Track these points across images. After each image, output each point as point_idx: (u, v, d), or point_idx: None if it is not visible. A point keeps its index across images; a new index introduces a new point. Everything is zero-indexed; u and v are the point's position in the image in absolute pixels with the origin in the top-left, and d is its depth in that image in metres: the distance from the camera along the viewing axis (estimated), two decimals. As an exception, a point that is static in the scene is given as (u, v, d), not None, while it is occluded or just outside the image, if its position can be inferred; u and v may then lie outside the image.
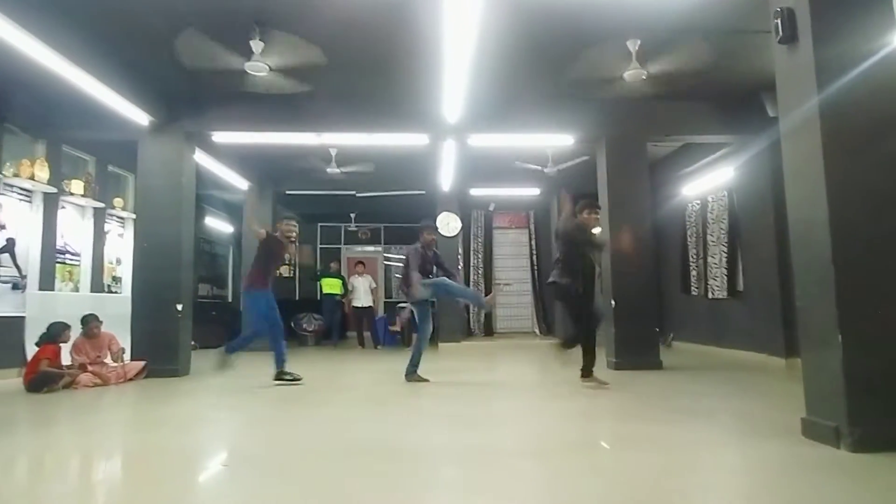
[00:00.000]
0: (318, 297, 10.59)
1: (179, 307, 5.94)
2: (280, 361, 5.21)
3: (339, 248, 13.05)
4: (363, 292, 10.23)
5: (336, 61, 5.11)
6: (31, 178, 5.88)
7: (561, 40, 4.88)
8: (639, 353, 6.03)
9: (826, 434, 2.74)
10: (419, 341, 5.46)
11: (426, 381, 5.23)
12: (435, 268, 5.48)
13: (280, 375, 5.18)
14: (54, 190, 6.25)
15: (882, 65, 2.80)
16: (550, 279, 4.86)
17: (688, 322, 8.77)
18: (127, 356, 5.72)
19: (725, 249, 7.62)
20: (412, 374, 5.29)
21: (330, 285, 10.36)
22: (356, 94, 6.06)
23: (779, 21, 3.00)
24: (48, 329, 5.23)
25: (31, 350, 5.56)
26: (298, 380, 5.17)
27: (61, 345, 5.26)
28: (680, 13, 4.37)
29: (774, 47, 3.13)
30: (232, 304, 11.34)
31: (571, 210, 5.00)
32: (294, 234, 5.58)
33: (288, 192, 9.91)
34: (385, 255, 13.24)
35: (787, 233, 3.15)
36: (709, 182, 7.97)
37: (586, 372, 4.76)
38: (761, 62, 5.14)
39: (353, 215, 12.35)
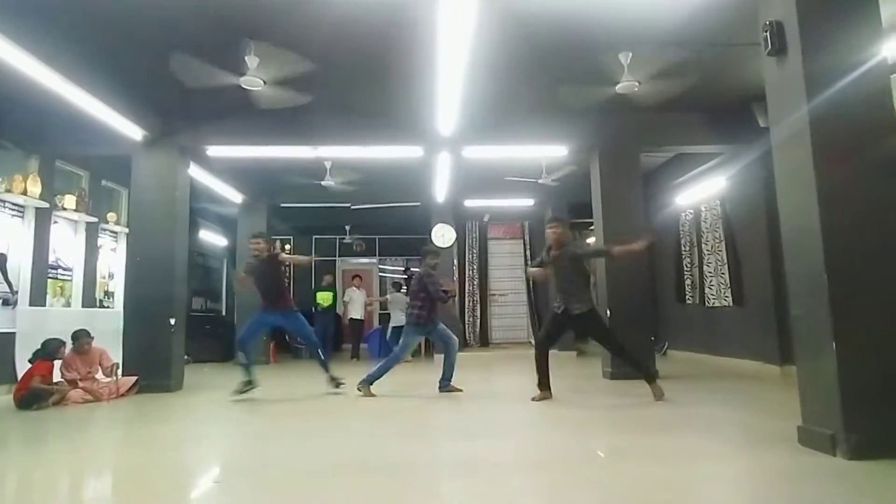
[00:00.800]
0: (313, 311, 10.53)
1: (172, 321, 5.89)
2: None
3: (334, 261, 13.02)
4: (360, 305, 10.19)
5: (331, 75, 5.14)
6: (24, 193, 5.85)
7: (554, 53, 4.93)
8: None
9: (822, 442, 2.75)
10: (449, 355, 5.46)
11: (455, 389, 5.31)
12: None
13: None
14: (46, 205, 6.21)
15: (870, 75, 2.85)
16: (578, 311, 4.60)
17: (683, 331, 8.78)
18: (119, 371, 5.65)
19: (722, 258, 7.65)
20: (445, 386, 5.36)
21: (324, 298, 10.32)
22: (351, 108, 6.08)
23: (768, 34, 3.05)
24: (43, 345, 5.16)
25: (21, 366, 5.49)
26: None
27: (55, 362, 5.20)
28: (670, 26, 4.43)
29: (764, 59, 3.18)
30: (225, 318, 11.25)
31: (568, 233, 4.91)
32: (257, 247, 5.53)
33: (283, 205, 9.90)
34: (380, 266, 13.21)
35: (780, 241, 3.18)
36: (701, 192, 8.03)
37: (652, 378, 4.69)
38: (751, 73, 5.21)
39: (347, 227, 12.33)
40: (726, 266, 7.54)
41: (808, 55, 2.89)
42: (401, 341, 5.54)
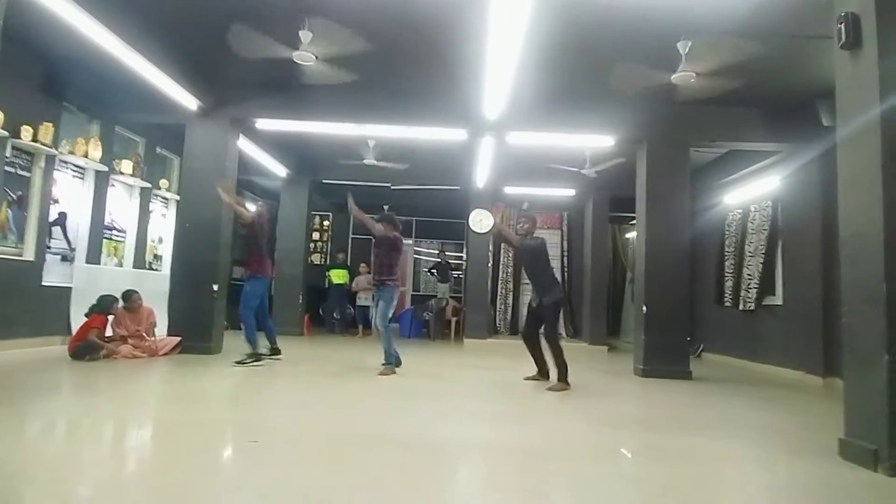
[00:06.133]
0: (326, 286, 10.72)
1: (215, 287, 6.11)
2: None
3: (370, 240, 13.17)
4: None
5: (381, 53, 5.16)
6: (85, 155, 6.14)
7: (609, 39, 4.80)
8: (668, 362, 5.91)
9: (864, 456, 2.65)
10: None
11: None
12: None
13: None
14: (105, 168, 6.51)
15: (951, 75, 2.67)
16: (556, 298, 4.88)
17: (721, 333, 8.55)
18: (159, 331, 5.89)
19: (765, 261, 7.40)
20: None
21: (337, 276, 10.48)
22: (399, 87, 6.10)
23: (842, 26, 2.89)
24: (99, 301, 5.47)
25: (75, 319, 5.83)
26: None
27: (109, 317, 5.50)
28: (736, 15, 4.23)
29: (836, 53, 3.01)
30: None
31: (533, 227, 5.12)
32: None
33: (324, 181, 10.06)
34: (416, 248, 13.31)
35: (835, 247, 3.06)
36: (752, 191, 7.73)
37: (563, 379, 4.78)
38: (818, 68, 4.96)
39: (386, 207, 12.37)
40: (761, 270, 7.30)
41: (884, 51, 2.73)
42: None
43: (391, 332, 5.34)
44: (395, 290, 5.39)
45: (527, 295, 11.63)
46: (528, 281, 5.09)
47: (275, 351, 5.76)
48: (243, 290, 5.44)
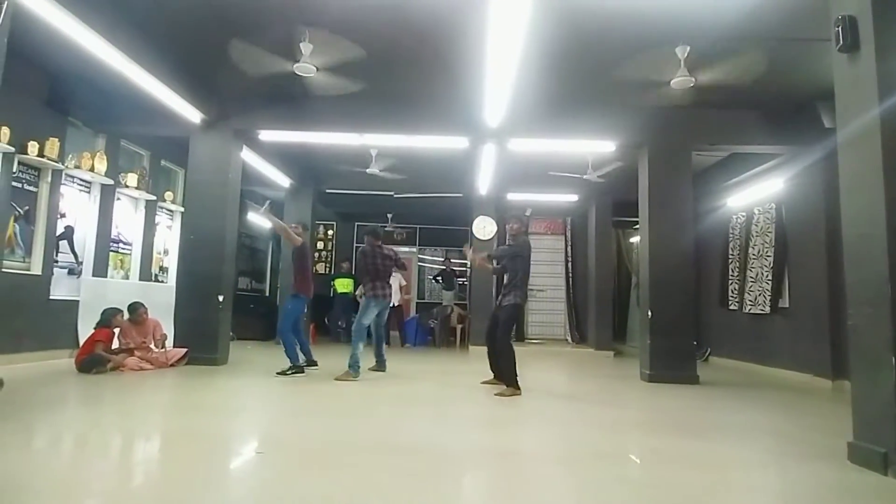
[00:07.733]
0: (331, 295, 10.74)
1: (221, 298, 6.14)
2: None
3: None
4: (394, 291, 10.33)
5: (381, 63, 5.20)
6: (91, 169, 6.20)
7: (608, 45, 4.82)
8: (675, 367, 5.87)
9: (873, 460, 2.63)
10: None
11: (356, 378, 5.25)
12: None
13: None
14: (111, 182, 6.57)
15: (950, 76, 2.67)
16: (513, 302, 4.88)
17: (728, 337, 8.49)
18: (169, 343, 5.95)
19: (767, 263, 7.37)
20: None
21: (342, 285, 10.50)
22: (400, 96, 6.14)
23: (840, 29, 2.90)
24: (102, 314, 5.52)
25: (83, 332, 5.87)
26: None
27: (115, 330, 5.54)
28: (734, 19, 4.25)
29: (834, 56, 3.02)
30: (269, 298, 11.62)
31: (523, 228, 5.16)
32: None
33: (328, 191, 10.11)
34: (420, 256, 13.32)
35: (839, 249, 3.04)
36: (755, 194, 7.71)
37: (512, 386, 4.77)
38: (818, 71, 4.96)
39: (389, 216, 12.47)
40: (772, 272, 7.26)
41: (882, 53, 2.73)
42: None
43: (361, 340, 5.39)
44: (371, 301, 5.54)
45: (531, 301, 11.64)
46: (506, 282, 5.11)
47: (311, 362, 5.82)
48: (283, 308, 5.56)
